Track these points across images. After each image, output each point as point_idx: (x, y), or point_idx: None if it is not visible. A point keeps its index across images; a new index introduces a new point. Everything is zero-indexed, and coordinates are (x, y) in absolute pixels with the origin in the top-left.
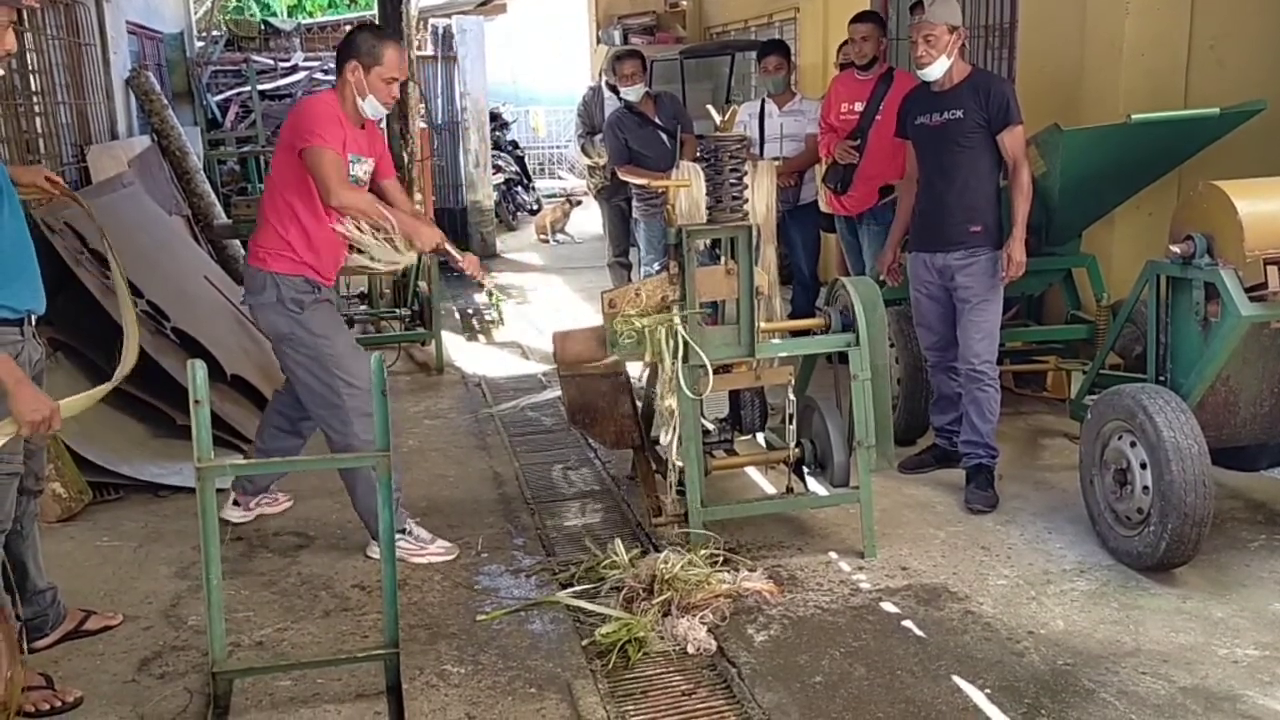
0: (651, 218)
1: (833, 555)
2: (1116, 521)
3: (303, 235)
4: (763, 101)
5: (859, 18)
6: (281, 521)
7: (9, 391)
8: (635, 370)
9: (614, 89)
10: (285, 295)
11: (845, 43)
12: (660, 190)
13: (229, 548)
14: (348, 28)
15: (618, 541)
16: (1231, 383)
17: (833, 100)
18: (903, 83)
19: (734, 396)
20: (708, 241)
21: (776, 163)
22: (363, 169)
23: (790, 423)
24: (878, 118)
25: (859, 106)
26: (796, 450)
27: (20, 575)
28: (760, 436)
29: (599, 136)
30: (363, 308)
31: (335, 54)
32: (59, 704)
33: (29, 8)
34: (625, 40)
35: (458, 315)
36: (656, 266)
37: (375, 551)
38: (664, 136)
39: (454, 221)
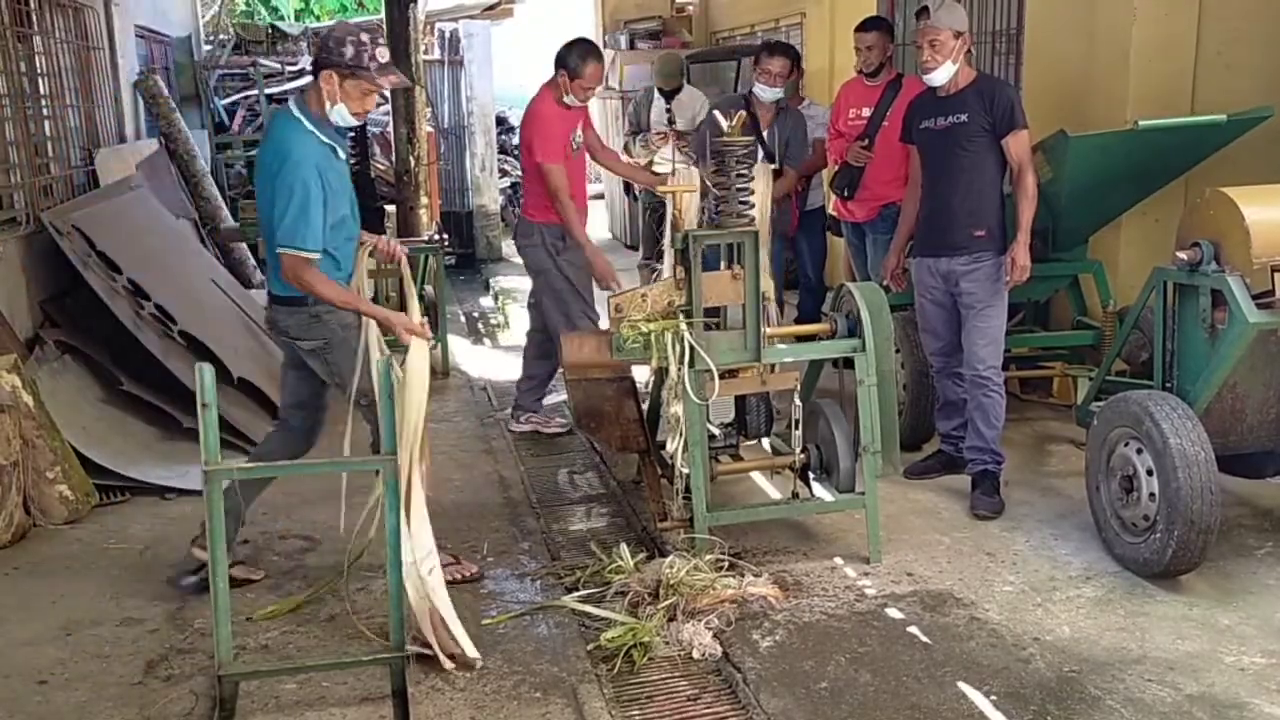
0: None
1: (838, 561)
2: (1123, 528)
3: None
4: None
5: (863, 27)
6: (287, 524)
7: (383, 318)
8: (642, 375)
9: (662, 91)
10: (547, 240)
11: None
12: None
13: (235, 550)
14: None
15: (623, 546)
16: (1238, 389)
17: (841, 106)
18: (911, 88)
19: (739, 401)
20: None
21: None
22: (577, 139)
23: (796, 428)
24: (884, 123)
25: (867, 112)
26: (802, 455)
27: None
28: (766, 441)
29: (641, 136)
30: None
31: (556, 59)
32: (461, 576)
33: (401, 86)
34: (631, 45)
35: (463, 319)
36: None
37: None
38: (759, 154)
39: (460, 225)
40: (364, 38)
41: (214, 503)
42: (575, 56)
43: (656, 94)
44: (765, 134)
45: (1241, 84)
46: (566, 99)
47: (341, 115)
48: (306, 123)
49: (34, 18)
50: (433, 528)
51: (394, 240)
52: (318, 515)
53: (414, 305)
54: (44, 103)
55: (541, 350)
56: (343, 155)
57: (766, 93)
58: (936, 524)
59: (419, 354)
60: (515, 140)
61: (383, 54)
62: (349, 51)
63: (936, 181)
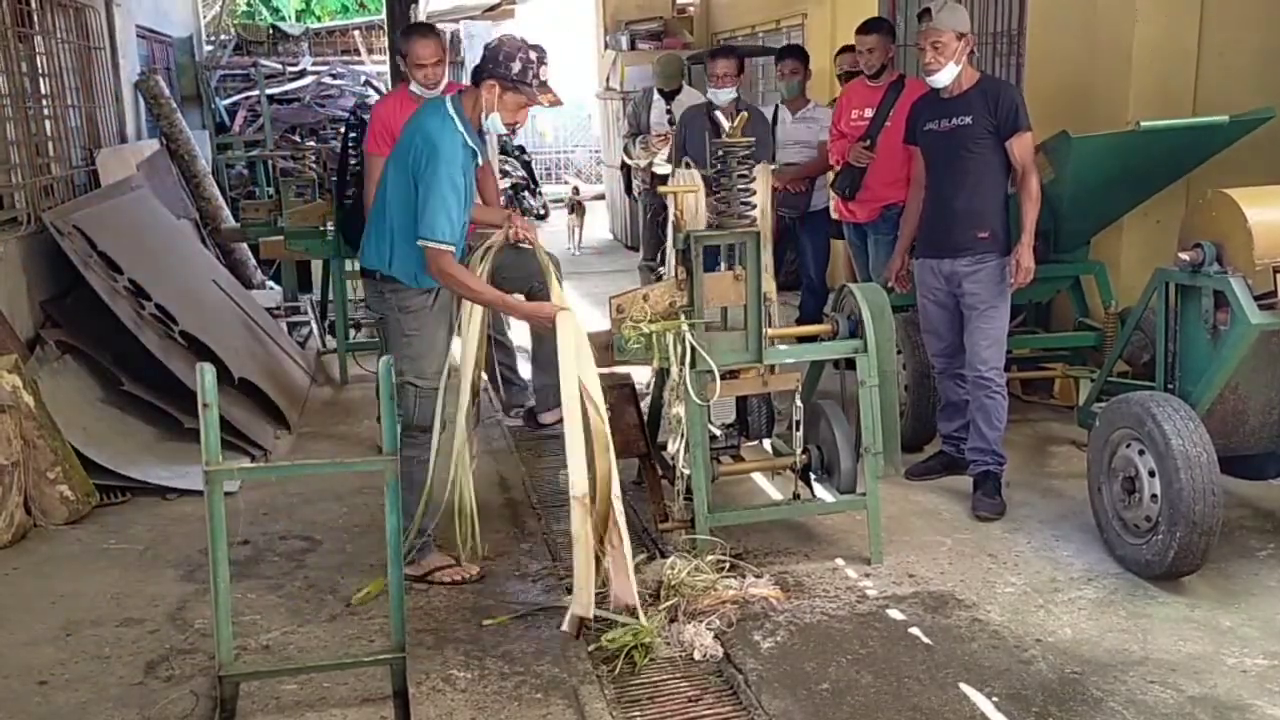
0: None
1: (839, 562)
2: (1124, 530)
3: None
4: (776, 107)
5: (865, 29)
6: (289, 525)
7: (528, 314)
8: (642, 375)
9: (662, 92)
10: None
11: (842, 50)
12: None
13: (236, 551)
14: (355, 33)
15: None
16: (1240, 391)
17: (844, 107)
18: (913, 90)
19: (741, 402)
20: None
21: (785, 167)
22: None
23: (797, 429)
24: (887, 124)
25: (869, 113)
26: (803, 456)
27: None
28: (767, 442)
29: (641, 138)
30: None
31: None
32: (464, 577)
33: (557, 105)
34: (632, 45)
35: None
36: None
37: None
38: None
39: None
40: (532, 55)
41: (215, 503)
42: (401, 37)
43: (656, 95)
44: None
45: (1243, 85)
46: (412, 87)
47: (495, 124)
48: (458, 122)
49: (35, 18)
50: (433, 527)
51: (526, 220)
52: (318, 515)
53: (555, 286)
54: (45, 103)
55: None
56: (479, 161)
57: (719, 95)
58: (938, 525)
59: (566, 327)
60: (515, 140)
61: (545, 73)
62: (516, 67)
63: (940, 183)
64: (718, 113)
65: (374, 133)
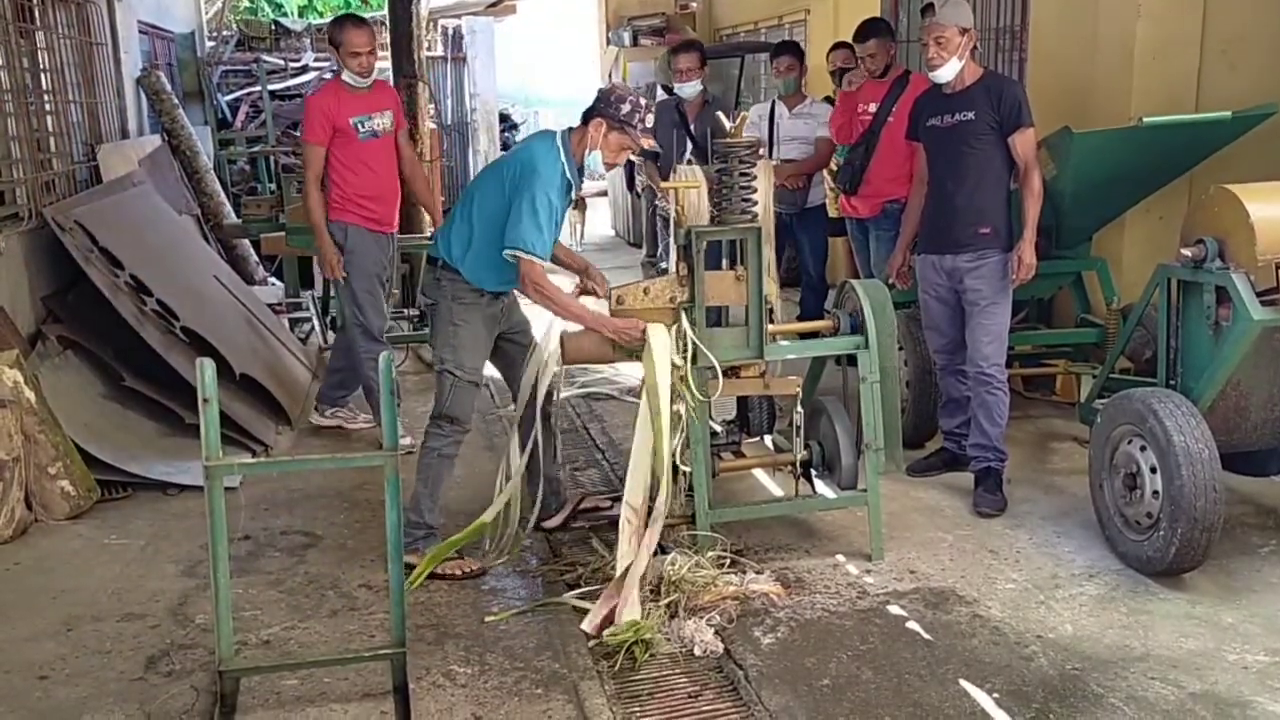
0: (664, 226)
1: (840, 558)
2: (1126, 526)
3: None
4: (773, 103)
5: (861, 36)
6: (289, 520)
7: (615, 330)
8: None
9: (666, 88)
10: (336, 238)
11: (835, 48)
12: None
13: (236, 546)
14: None
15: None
16: (1242, 387)
17: (851, 102)
18: (917, 85)
19: (742, 399)
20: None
21: (783, 163)
22: (377, 125)
23: (798, 434)
24: (890, 119)
25: (873, 108)
26: (804, 453)
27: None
28: (768, 439)
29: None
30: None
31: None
32: (463, 572)
33: (652, 151)
34: (635, 42)
35: None
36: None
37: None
38: (689, 146)
39: None
40: (641, 101)
41: (215, 498)
42: (334, 27)
43: (660, 90)
44: (693, 127)
45: (1246, 81)
46: (345, 76)
47: (596, 160)
48: (562, 153)
49: (37, 13)
50: (440, 524)
51: (601, 273)
52: (319, 511)
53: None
54: (47, 98)
55: (343, 343)
56: (572, 196)
57: (684, 89)
58: (939, 521)
59: (659, 338)
60: (518, 137)
61: (649, 120)
62: (625, 109)
63: (942, 179)
64: (684, 106)
65: (313, 124)
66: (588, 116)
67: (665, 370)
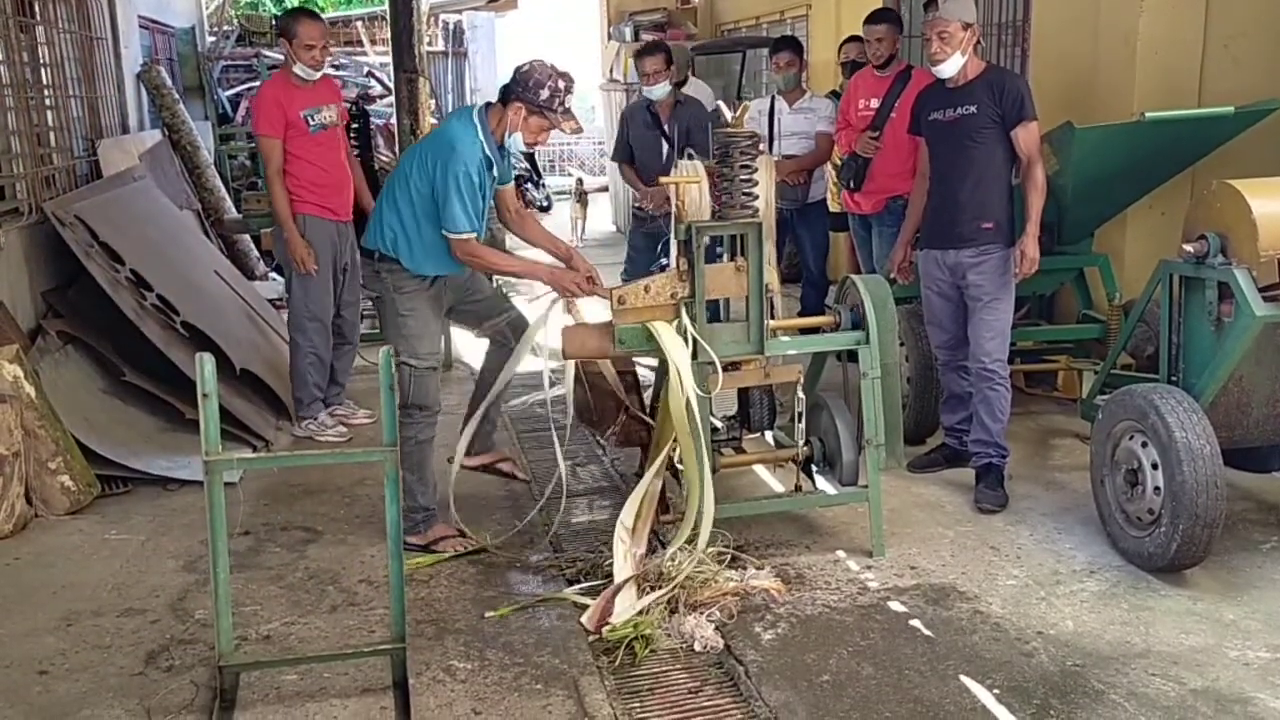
0: (637, 227)
1: (841, 554)
2: (1127, 522)
3: None
4: (773, 98)
5: (873, 19)
6: (289, 515)
7: (543, 275)
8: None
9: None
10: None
11: (848, 40)
12: (648, 203)
13: (236, 541)
14: (358, 24)
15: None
16: (1244, 383)
17: (852, 96)
18: (920, 81)
19: (743, 394)
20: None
21: (783, 159)
22: (324, 118)
23: (799, 421)
24: (892, 115)
25: (875, 103)
26: (805, 449)
27: None
28: (769, 435)
29: None
30: (369, 302)
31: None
32: (467, 547)
33: (577, 132)
34: (636, 36)
35: None
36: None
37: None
38: (664, 146)
39: None
40: (560, 84)
41: (214, 494)
42: (288, 19)
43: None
44: (666, 127)
45: (1248, 76)
46: (296, 69)
47: (517, 143)
48: (480, 131)
49: (37, 7)
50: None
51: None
52: (319, 506)
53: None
54: (47, 93)
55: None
56: (495, 174)
57: (653, 91)
58: (940, 518)
59: (667, 333)
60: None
61: (570, 100)
62: (544, 94)
63: (944, 173)
64: (656, 107)
65: (266, 116)
66: (505, 97)
67: (686, 368)
